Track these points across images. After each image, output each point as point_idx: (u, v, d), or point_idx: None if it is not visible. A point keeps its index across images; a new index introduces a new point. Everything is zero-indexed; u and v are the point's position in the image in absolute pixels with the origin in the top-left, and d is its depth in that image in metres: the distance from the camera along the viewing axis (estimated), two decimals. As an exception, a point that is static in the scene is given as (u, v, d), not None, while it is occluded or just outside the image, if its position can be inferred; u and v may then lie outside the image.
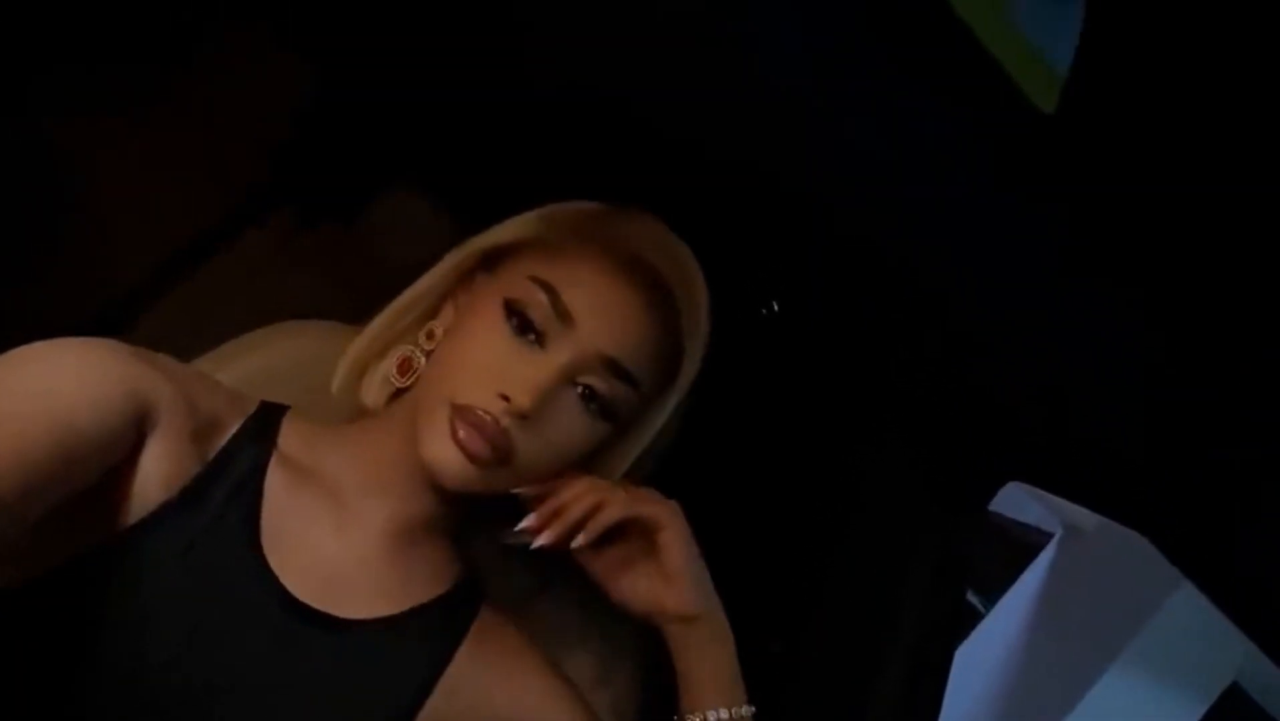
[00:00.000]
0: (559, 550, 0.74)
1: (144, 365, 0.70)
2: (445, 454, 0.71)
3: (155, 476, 0.70)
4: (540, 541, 0.74)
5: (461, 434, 0.71)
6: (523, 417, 0.71)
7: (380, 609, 0.76)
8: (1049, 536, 2.18)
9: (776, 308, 0.98)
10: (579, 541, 0.73)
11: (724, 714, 0.76)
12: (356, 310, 0.84)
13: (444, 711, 0.78)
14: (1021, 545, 2.20)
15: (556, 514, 0.74)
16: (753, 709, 0.77)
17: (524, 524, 0.74)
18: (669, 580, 0.75)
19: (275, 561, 0.73)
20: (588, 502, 0.74)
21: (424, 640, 0.78)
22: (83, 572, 0.68)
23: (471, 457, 0.71)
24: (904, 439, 0.98)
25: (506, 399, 0.71)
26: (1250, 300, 0.63)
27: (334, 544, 0.76)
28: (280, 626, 0.73)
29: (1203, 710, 1.94)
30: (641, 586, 0.76)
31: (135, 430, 0.68)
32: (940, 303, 0.79)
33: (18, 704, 0.68)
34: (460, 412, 0.71)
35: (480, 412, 0.71)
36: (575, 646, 0.91)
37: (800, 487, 1.02)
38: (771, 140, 0.70)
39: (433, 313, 0.81)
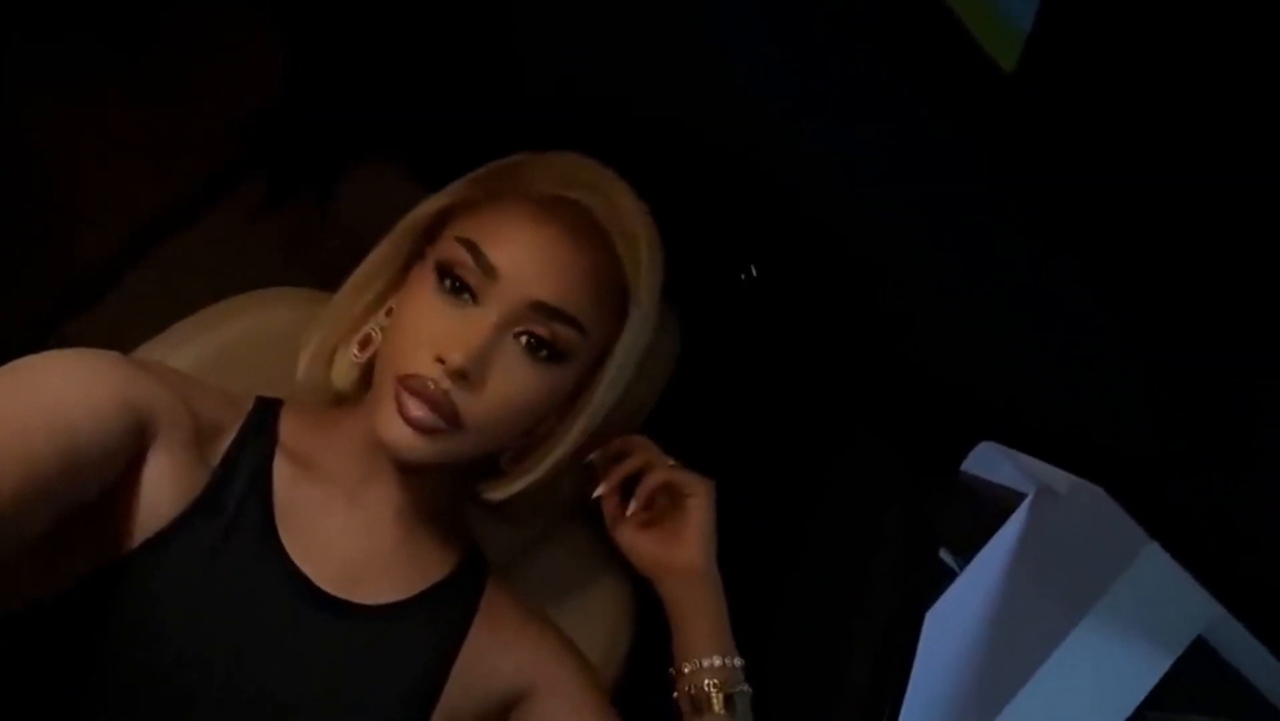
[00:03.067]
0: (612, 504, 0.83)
1: (141, 375, 0.70)
2: (394, 428, 0.71)
3: (164, 487, 0.70)
4: (599, 491, 0.82)
5: (407, 406, 0.71)
6: (462, 376, 0.71)
7: (396, 593, 0.78)
8: (1022, 496, 2.21)
9: (754, 272, 0.98)
10: (633, 508, 0.81)
11: (718, 661, 0.79)
12: (328, 284, 0.84)
13: (462, 687, 0.79)
14: (995, 504, 2.23)
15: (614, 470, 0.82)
16: (742, 661, 0.80)
17: (598, 491, 0.82)
18: (685, 539, 0.81)
19: (295, 554, 0.74)
20: (640, 459, 0.82)
21: (438, 621, 0.79)
22: (100, 590, 0.68)
23: (416, 426, 0.71)
24: (875, 401, 0.99)
25: (442, 361, 0.71)
26: (1216, 261, 0.64)
27: (345, 532, 0.77)
28: (307, 618, 0.74)
29: (1169, 662, 1.99)
30: (655, 543, 0.82)
31: (136, 441, 0.68)
32: (906, 273, 0.80)
33: (37, 717, 0.67)
34: (403, 382, 0.71)
35: (420, 379, 0.71)
36: (564, 598, 0.93)
37: (770, 452, 1.03)
38: (732, 112, 0.70)
39: (392, 289, 0.81)
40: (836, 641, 0.94)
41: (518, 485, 0.79)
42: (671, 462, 0.83)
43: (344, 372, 0.81)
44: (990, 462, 2.16)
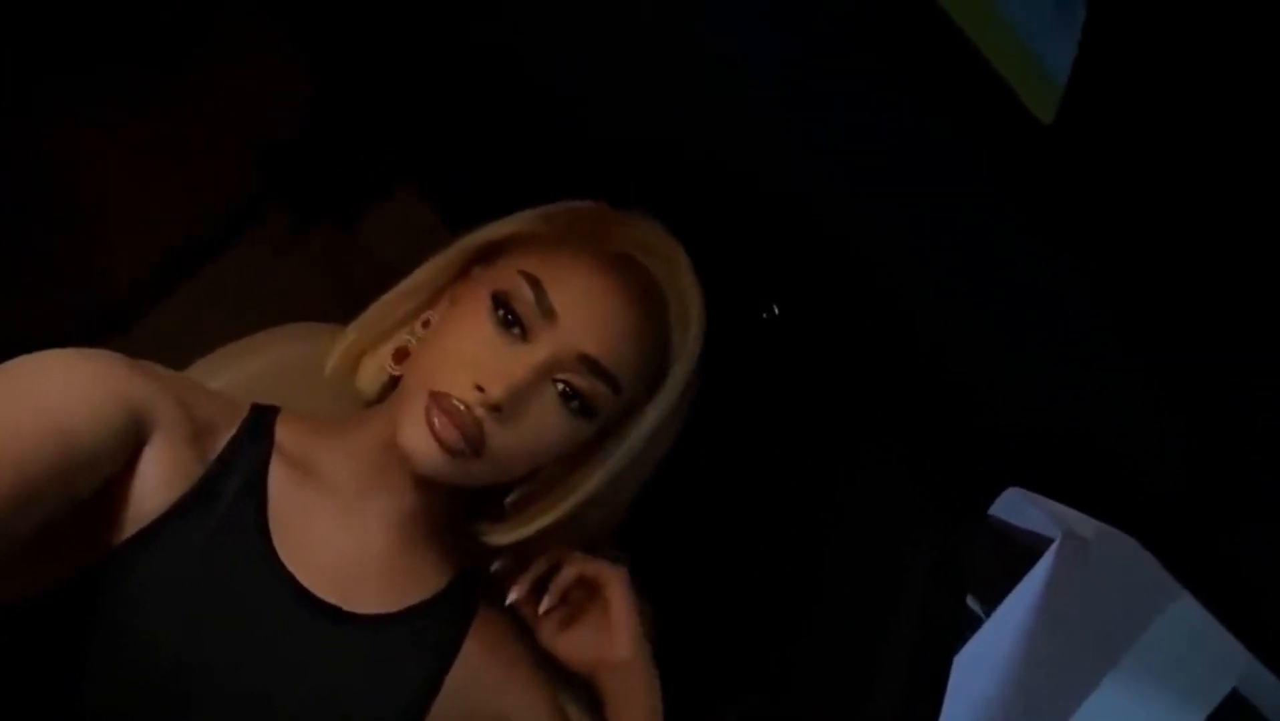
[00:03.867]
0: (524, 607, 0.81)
1: (138, 373, 0.70)
2: (418, 440, 0.71)
3: (157, 481, 0.70)
4: (510, 597, 0.79)
5: (435, 420, 0.71)
6: (496, 410, 0.71)
7: (388, 604, 0.77)
8: (1049, 542, 2.17)
9: (776, 311, 0.98)
10: (545, 603, 0.79)
11: None
12: (353, 316, 0.84)
13: (452, 705, 0.78)
14: (1022, 550, 2.20)
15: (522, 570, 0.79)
16: None
17: (510, 598, 0.79)
18: (608, 632, 0.80)
19: (287, 558, 0.74)
20: (546, 560, 0.80)
21: (431, 635, 0.79)
22: (90, 584, 0.67)
23: (443, 445, 0.71)
24: (903, 444, 0.98)
25: (481, 389, 0.71)
26: (1248, 305, 0.63)
27: (340, 539, 0.76)
28: (296, 621, 0.73)
29: (1203, 716, 1.94)
30: (580, 640, 0.81)
31: (132, 439, 0.68)
32: (936, 310, 0.79)
33: (29, 715, 0.67)
34: (436, 399, 0.71)
35: (454, 401, 0.71)
36: None
37: (798, 492, 1.02)
38: (760, 146, 0.70)
39: (430, 303, 0.81)
40: (863, 682, 0.92)
41: (522, 532, 0.79)
42: (579, 556, 0.81)
43: (371, 378, 0.81)
44: (1016, 508, 2.13)
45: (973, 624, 2.25)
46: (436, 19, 0.92)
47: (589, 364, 0.74)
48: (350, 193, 1.06)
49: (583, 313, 0.74)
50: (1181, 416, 0.74)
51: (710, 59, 0.64)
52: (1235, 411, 0.70)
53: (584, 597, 0.81)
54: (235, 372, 0.89)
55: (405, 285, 0.81)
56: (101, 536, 0.69)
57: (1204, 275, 0.61)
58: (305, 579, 0.74)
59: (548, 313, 0.73)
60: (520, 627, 0.85)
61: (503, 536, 0.79)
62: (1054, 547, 2.15)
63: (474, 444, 0.71)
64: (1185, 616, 1.86)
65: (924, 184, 0.63)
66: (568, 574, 0.80)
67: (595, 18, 0.73)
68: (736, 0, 0.63)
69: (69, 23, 0.97)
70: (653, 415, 0.78)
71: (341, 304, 0.91)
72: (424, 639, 0.78)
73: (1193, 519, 0.79)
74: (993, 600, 2.27)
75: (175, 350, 0.90)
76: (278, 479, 0.75)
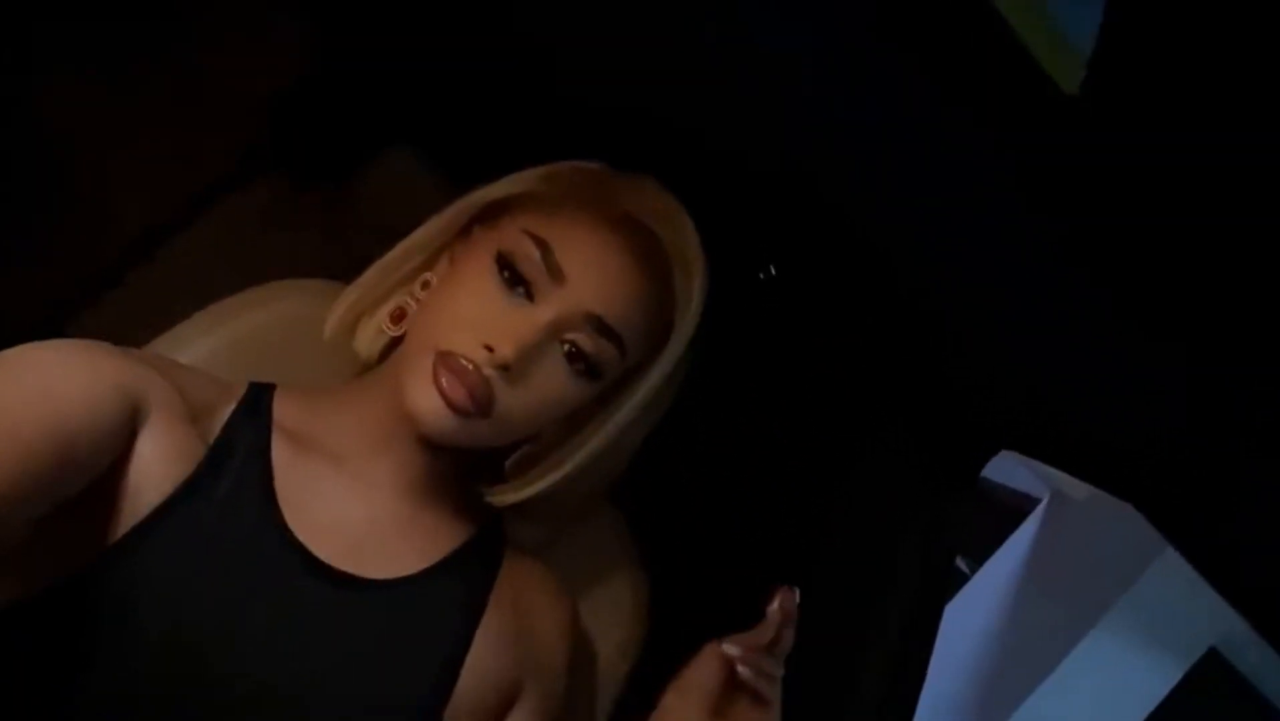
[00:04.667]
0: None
1: (132, 361, 0.69)
2: (426, 400, 0.71)
3: (158, 465, 0.69)
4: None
5: (443, 380, 0.70)
6: (504, 369, 0.71)
7: (405, 567, 0.76)
8: (1036, 501, 2.20)
9: (773, 272, 0.97)
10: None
11: None
12: (348, 274, 0.83)
13: (487, 656, 0.78)
14: (1008, 509, 2.22)
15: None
16: None
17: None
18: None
19: (297, 530, 0.73)
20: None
21: (453, 593, 0.78)
22: (97, 574, 0.66)
23: (451, 405, 0.70)
24: (897, 409, 0.98)
25: (490, 349, 0.71)
26: (1247, 274, 0.63)
27: (348, 507, 0.76)
28: (314, 592, 0.72)
29: (1181, 673, 1.98)
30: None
31: (129, 424, 0.67)
32: (935, 278, 0.79)
33: (43, 706, 0.66)
34: (443, 359, 0.71)
35: (463, 360, 0.71)
36: (582, 591, 0.93)
37: (793, 457, 1.02)
38: (774, 122, 0.69)
39: (429, 264, 0.81)
40: (852, 646, 0.94)
41: (525, 492, 0.79)
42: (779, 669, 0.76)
43: (369, 340, 0.81)
44: (1005, 468, 2.15)
45: (958, 580, 2.28)
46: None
47: (596, 324, 0.73)
48: (347, 152, 1.05)
49: (590, 273, 0.74)
50: (1177, 386, 0.75)
51: (715, 24, 0.63)
52: (1230, 384, 0.71)
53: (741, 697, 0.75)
54: (224, 331, 0.88)
55: (406, 244, 0.81)
56: (104, 527, 0.68)
57: (1222, 248, 0.60)
58: (318, 550, 0.73)
59: (555, 273, 0.73)
60: (551, 582, 0.85)
61: (504, 497, 0.79)
62: (1041, 507, 2.17)
63: (481, 403, 0.71)
64: (1167, 577, 1.89)
65: (930, 150, 0.62)
66: (761, 669, 0.73)
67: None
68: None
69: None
70: (654, 377, 0.78)
71: (334, 263, 0.91)
72: (447, 598, 0.78)
73: (1183, 482, 0.80)
74: (979, 557, 2.30)
75: (167, 308, 0.90)
76: (280, 453, 0.74)
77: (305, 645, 0.71)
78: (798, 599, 0.76)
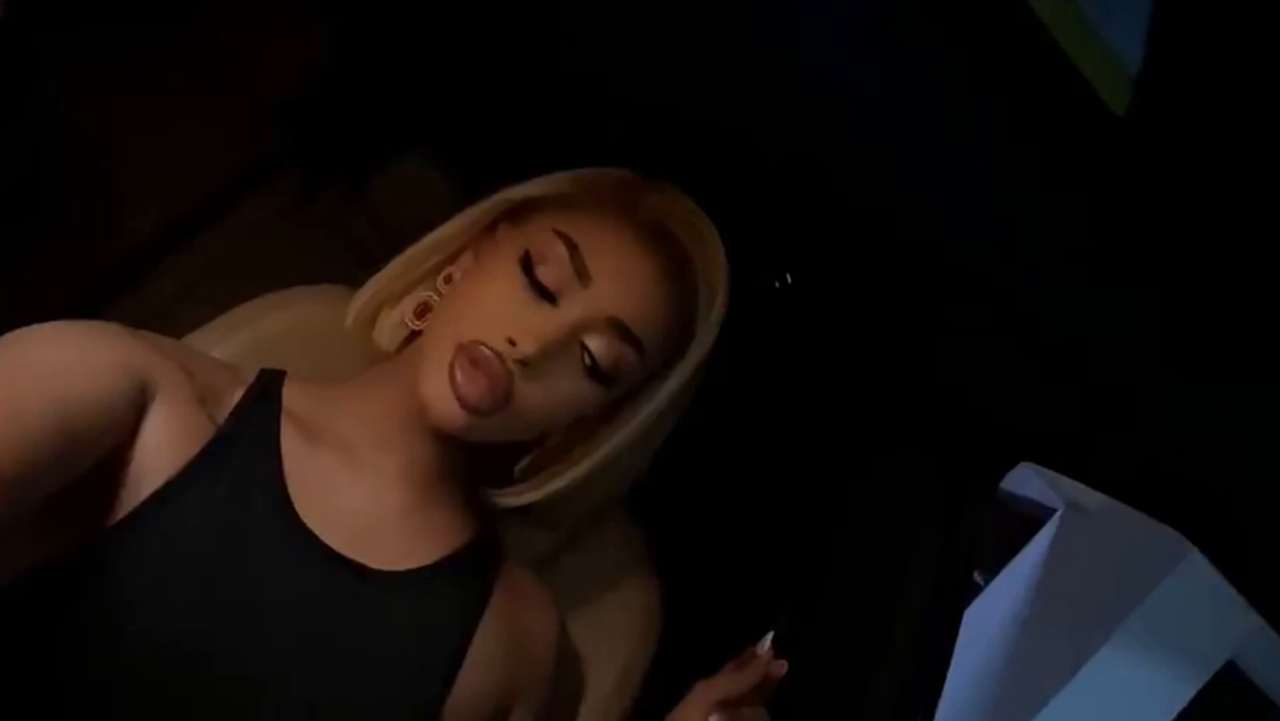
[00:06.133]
0: None
1: (140, 342, 0.69)
2: (438, 391, 0.71)
3: (164, 445, 0.69)
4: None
5: (459, 375, 0.70)
6: (524, 364, 0.71)
7: (410, 560, 0.76)
8: (1050, 512, 2.18)
9: (790, 280, 0.97)
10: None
11: None
12: (363, 278, 0.83)
13: (485, 658, 0.78)
14: (1022, 520, 2.21)
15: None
16: None
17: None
18: None
19: (305, 516, 0.73)
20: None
21: (456, 591, 0.78)
22: (100, 553, 0.66)
23: (463, 401, 0.70)
24: (915, 421, 0.97)
25: (513, 343, 0.71)
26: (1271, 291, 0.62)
27: (356, 497, 0.76)
28: (320, 578, 0.72)
29: (1197, 687, 1.96)
30: None
31: (135, 407, 0.67)
32: (958, 294, 0.78)
33: (45, 685, 0.66)
34: (465, 349, 0.71)
35: (484, 349, 0.71)
36: (592, 599, 0.93)
37: (811, 467, 1.01)
38: (816, 132, 0.69)
39: (453, 259, 0.81)
40: (868, 658, 0.93)
41: (536, 495, 0.79)
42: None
43: (390, 332, 0.81)
44: (1019, 477, 2.13)
45: (971, 591, 2.26)
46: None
47: (618, 328, 0.74)
48: (362, 153, 1.05)
49: (615, 277, 0.74)
50: (1200, 393, 0.74)
51: (760, 40, 0.62)
52: (1257, 395, 0.70)
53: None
54: (244, 336, 0.88)
55: (433, 237, 0.81)
56: (110, 506, 0.68)
57: (1253, 275, 0.60)
58: (325, 535, 0.73)
59: (581, 274, 0.73)
60: (545, 597, 0.85)
61: (513, 500, 0.79)
62: (1056, 518, 2.16)
63: (499, 396, 0.71)
64: (1184, 589, 1.87)
65: (968, 161, 0.62)
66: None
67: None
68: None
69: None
70: (669, 387, 0.78)
71: (351, 266, 0.91)
72: (448, 595, 0.78)
73: (1207, 490, 0.79)
74: (993, 567, 2.28)
75: (184, 311, 0.90)
76: (289, 439, 0.74)
77: (307, 628, 0.71)
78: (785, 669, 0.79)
